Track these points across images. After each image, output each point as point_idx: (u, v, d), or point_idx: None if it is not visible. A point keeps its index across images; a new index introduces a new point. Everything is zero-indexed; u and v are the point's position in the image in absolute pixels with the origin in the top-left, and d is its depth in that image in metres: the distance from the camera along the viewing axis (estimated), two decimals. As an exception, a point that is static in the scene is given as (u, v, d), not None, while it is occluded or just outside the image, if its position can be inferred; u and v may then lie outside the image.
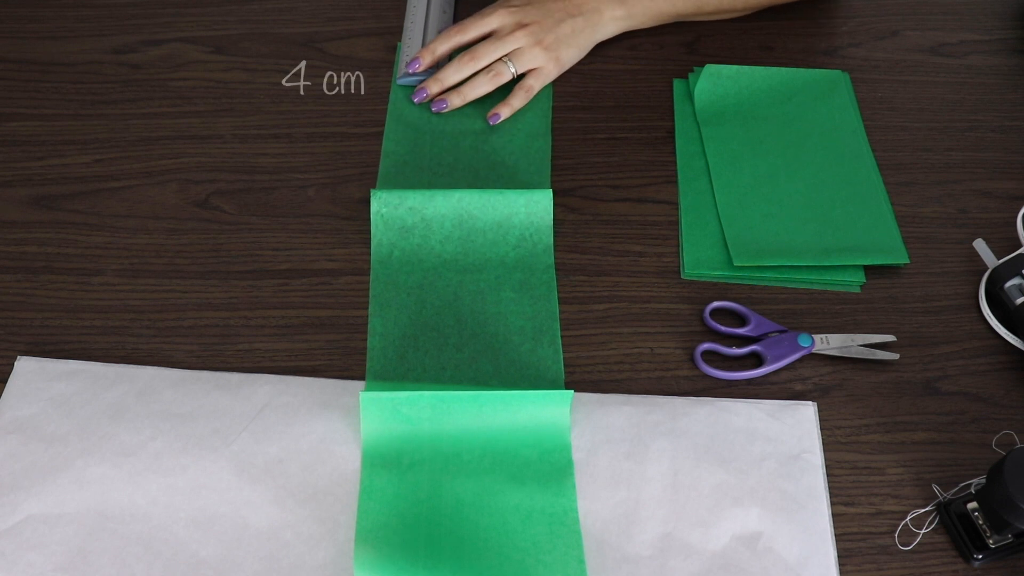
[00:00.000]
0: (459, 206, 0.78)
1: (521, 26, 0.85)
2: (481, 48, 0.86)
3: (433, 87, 0.86)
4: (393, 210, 0.77)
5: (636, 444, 0.67)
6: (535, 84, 0.87)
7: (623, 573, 0.62)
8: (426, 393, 0.66)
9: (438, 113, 0.86)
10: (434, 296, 0.75)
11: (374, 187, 0.82)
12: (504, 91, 0.88)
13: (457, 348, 0.72)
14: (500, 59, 0.86)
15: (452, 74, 0.86)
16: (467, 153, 0.84)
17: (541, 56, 0.86)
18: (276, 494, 0.64)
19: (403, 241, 0.77)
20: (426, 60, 0.87)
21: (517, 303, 0.75)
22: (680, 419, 0.69)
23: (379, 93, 0.89)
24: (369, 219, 0.78)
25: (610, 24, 0.89)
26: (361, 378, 0.71)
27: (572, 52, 0.88)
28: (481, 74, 0.86)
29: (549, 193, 0.78)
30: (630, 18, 0.90)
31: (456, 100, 0.86)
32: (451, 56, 0.89)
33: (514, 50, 0.86)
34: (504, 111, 0.86)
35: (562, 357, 0.72)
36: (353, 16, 0.96)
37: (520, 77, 0.87)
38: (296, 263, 0.78)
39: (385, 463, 0.65)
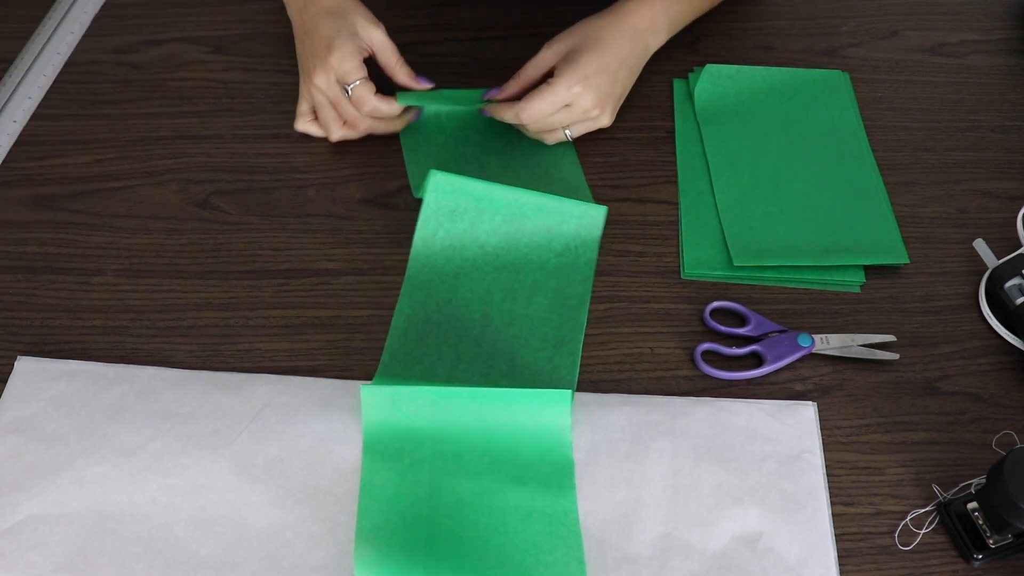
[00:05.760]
0: (514, 202, 0.76)
1: (587, 97, 0.80)
2: (552, 120, 0.82)
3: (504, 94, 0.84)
4: (448, 193, 0.75)
5: (636, 444, 0.67)
6: (584, 130, 0.84)
7: (623, 573, 0.62)
8: (425, 388, 0.66)
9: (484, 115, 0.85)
10: (467, 287, 0.75)
11: (374, 187, 0.82)
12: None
13: (477, 343, 0.72)
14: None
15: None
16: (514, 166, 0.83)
17: (600, 118, 0.83)
18: (276, 494, 0.64)
19: (450, 223, 0.76)
20: (511, 89, 0.84)
21: (547, 309, 0.74)
22: (680, 419, 0.69)
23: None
24: (369, 219, 0.78)
25: (654, 48, 0.87)
26: (361, 378, 0.71)
27: (624, 92, 0.85)
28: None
29: (604, 209, 0.77)
30: (668, 32, 0.88)
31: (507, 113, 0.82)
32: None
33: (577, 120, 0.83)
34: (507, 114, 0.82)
35: (578, 369, 0.72)
36: (353, 16, 0.95)
37: None
38: (296, 263, 0.78)
39: (386, 461, 0.65)
